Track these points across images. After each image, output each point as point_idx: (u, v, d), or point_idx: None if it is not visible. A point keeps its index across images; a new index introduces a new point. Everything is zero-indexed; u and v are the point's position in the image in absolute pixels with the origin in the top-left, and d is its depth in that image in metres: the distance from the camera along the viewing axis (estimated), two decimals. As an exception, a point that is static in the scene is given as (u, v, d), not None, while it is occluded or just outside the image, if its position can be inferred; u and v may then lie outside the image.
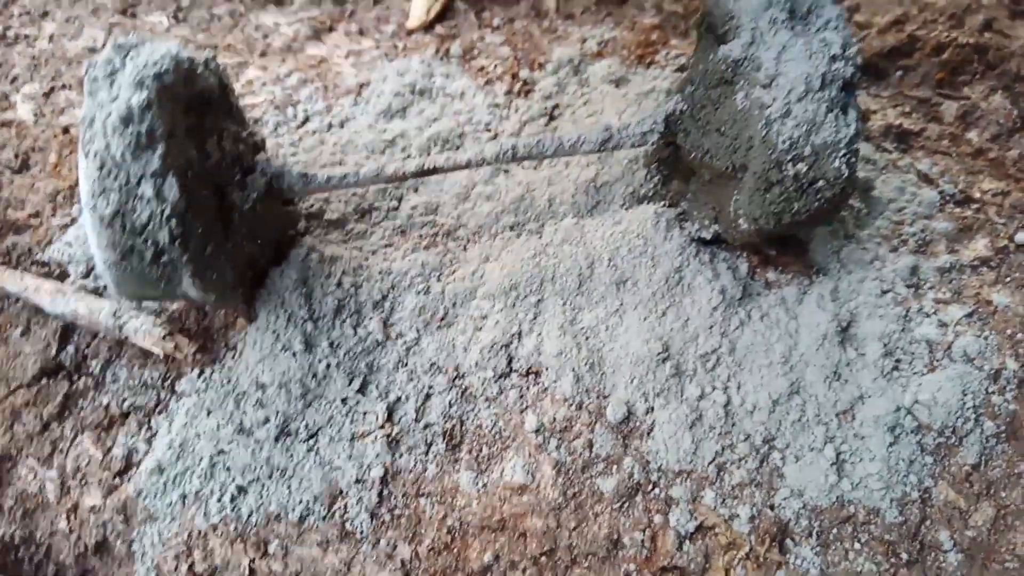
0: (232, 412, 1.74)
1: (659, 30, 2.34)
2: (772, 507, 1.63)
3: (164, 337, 1.76)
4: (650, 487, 1.66)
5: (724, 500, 1.63)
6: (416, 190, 1.99)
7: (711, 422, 1.69)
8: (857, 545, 1.59)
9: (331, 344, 1.75)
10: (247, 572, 1.62)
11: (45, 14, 2.45)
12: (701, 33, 1.69)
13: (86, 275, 1.89)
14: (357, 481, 1.68)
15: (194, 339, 1.80)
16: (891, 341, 1.74)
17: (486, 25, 2.41)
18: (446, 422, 1.72)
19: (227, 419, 1.73)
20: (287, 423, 1.72)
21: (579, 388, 1.73)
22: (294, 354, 1.73)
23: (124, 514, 1.70)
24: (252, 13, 2.45)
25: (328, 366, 1.74)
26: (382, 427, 1.72)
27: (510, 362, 1.77)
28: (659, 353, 1.73)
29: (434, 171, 1.68)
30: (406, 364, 1.77)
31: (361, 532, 1.64)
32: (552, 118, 2.12)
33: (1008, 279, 1.83)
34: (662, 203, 1.89)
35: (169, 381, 1.81)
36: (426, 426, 1.72)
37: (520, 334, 1.79)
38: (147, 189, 1.37)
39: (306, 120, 2.15)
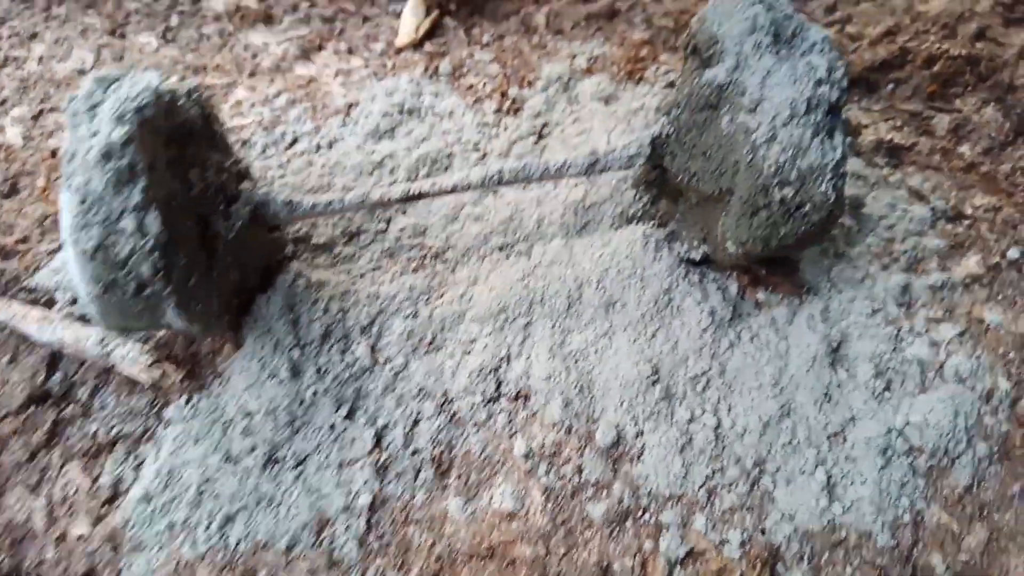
0: (219, 440, 1.73)
1: (649, 45, 2.34)
2: (763, 531, 1.61)
3: (151, 365, 1.75)
4: (640, 512, 1.64)
5: (715, 525, 1.62)
6: (404, 212, 1.99)
7: (701, 445, 1.68)
8: (849, 569, 1.58)
9: (318, 370, 1.74)
10: (235, 602, 1.61)
11: (34, 36, 2.44)
12: (687, 55, 1.68)
13: (73, 302, 1.88)
14: (345, 509, 1.67)
15: (181, 366, 1.79)
16: (882, 362, 1.73)
17: (475, 42, 2.40)
18: (434, 448, 1.71)
19: (214, 447, 1.72)
20: (274, 451, 1.71)
21: (568, 412, 1.72)
22: (281, 381, 1.72)
23: (112, 543, 1.69)
24: (241, 32, 2.45)
25: (315, 393, 1.73)
26: (370, 454, 1.71)
27: (499, 386, 1.76)
28: (649, 376, 1.72)
29: (419, 196, 1.68)
30: (394, 390, 1.76)
31: (349, 561, 1.63)
32: (541, 137, 2.11)
33: (1000, 296, 1.82)
34: (651, 223, 1.88)
35: (157, 408, 1.80)
36: (414, 452, 1.71)
37: (509, 358, 1.78)
38: (129, 223, 1.36)
39: (294, 141, 2.14)
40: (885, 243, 1.89)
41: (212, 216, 1.57)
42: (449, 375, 1.77)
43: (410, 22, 2.42)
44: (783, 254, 1.72)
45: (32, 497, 1.75)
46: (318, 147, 2.12)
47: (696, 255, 1.78)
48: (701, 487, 1.65)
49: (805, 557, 1.59)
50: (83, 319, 1.86)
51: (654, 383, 1.72)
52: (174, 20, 2.47)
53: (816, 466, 1.65)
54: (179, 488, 1.70)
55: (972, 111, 2.18)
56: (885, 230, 1.91)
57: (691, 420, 1.70)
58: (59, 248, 1.98)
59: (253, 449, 1.71)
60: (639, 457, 1.69)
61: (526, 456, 1.69)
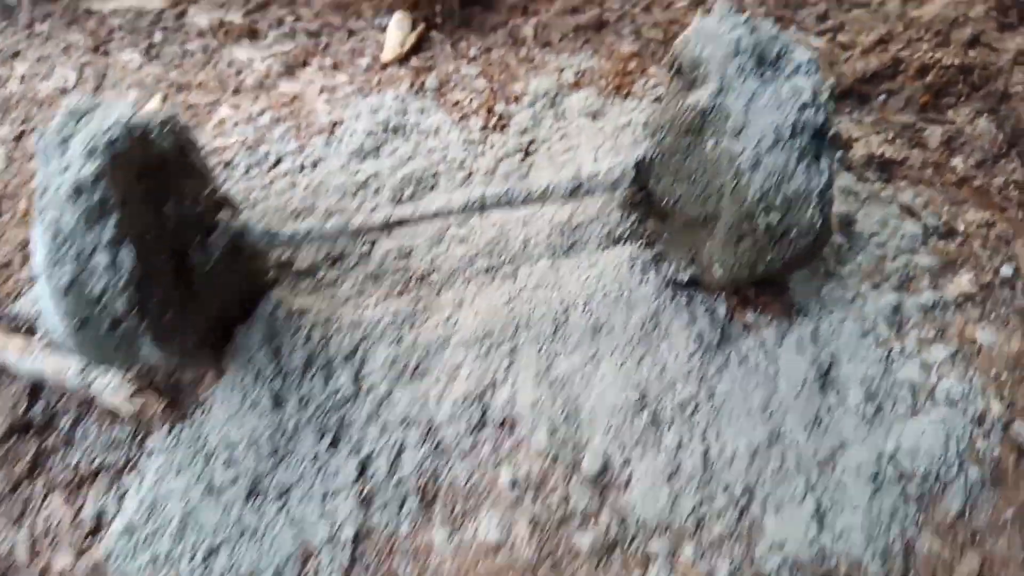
0: (202, 471, 1.71)
1: (637, 57, 2.30)
2: (752, 561, 1.59)
3: (132, 395, 1.73)
4: (628, 542, 1.62)
5: (703, 554, 1.60)
6: (389, 234, 1.96)
7: (689, 473, 1.66)
8: (839, 599, 1.56)
9: (300, 400, 1.72)
10: (218, 637, 1.60)
11: (16, 54, 2.42)
12: (671, 75, 1.65)
13: (54, 331, 1.86)
14: (329, 540, 1.64)
15: (163, 396, 1.77)
16: (873, 385, 1.71)
17: (462, 56, 2.37)
18: (419, 478, 1.69)
19: (197, 478, 1.70)
20: (257, 482, 1.69)
21: (554, 440, 1.70)
22: (262, 412, 1.70)
23: (95, 577, 1.67)
24: (225, 48, 2.42)
25: (298, 423, 1.71)
26: (354, 484, 1.69)
27: (484, 414, 1.74)
28: (636, 402, 1.70)
29: (401, 223, 1.65)
30: (378, 418, 1.74)
31: (334, 594, 1.61)
32: (528, 154, 2.09)
33: (993, 316, 1.79)
34: (638, 244, 1.85)
35: (139, 438, 1.78)
36: (399, 482, 1.69)
37: (494, 384, 1.76)
38: (102, 259, 1.34)
39: (278, 161, 2.11)
40: (876, 261, 1.86)
41: (189, 248, 1.55)
42: (434, 403, 1.74)
43: (396, 36, 2.39)
44: (771, 278, 1.70)
45: (14, 529, 1.73)
46: (302, 167, 2.10)
47: (684, 277, 1.76)
48: (689, 516, 1.63)
49: (795, 587, 1.56)
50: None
51: (641, 409, 1.70)
52: (157, 36, 2.44)
53: (806, 493, 1.62)
54: (162, 520, 1.68)
55: (965, 122, 2.15)
56: (876, 248, 1.88)
57: (679, 447, 1.68)
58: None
59: (236, 480, 1.69)
60: (626, 486, 1.66)
61: (512, 486, 1.67)
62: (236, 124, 2.20)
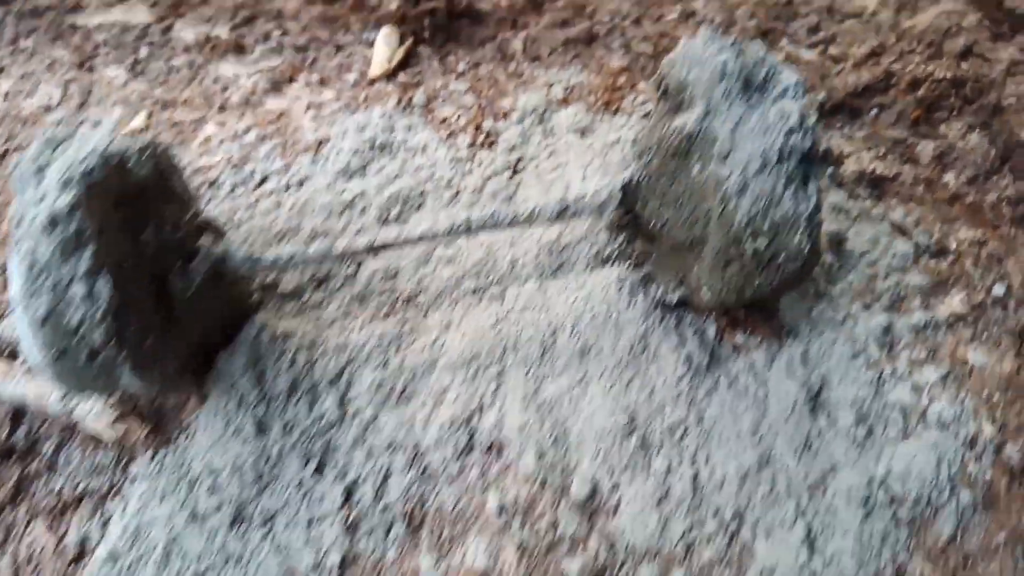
0: (185, 498, 1.69)
1: (627, 72, 2.29)
2: (742, 587, 1.57)
3: (115, 421, 1.71)
4: (617, 568, 1.60)
5: (693, 581, 1.58)
6: (375, 255, 1.94)
7: (679, 497, 1.64)
8: (830, 626, 1.54)
9: (285, 426, 1.70)
10: (202, 667, 1.58)
11: (0, 71, 2.39)
12: (659, 96, 1.63)
13: (36, 355, 1.84)
14: (315, 567, 1.62)
15: (146, 421, 1.75)
16: (864, 407, 1.69)
17: (450, 71, 2.35)
18: (406, 503, 1.67)
19: (180, 505, 1.68)
20: (241, 509, 1.67)
21: (542, 464, 1.68)
22: (246, 438, 1.68)
23: (78, 606, 1.65)
24: (212, 64, 2.40)
25: (282, 449, 1.69)
26: (340, 510, 1.67)
27: (471, 438, 1.72)
28: (625, 425, 1.68)
29: (385, 247, 1.63)
30: (364, 443, 1.72)
31: (319, 623, 1.59)
32: (516, 172, 2.07)
33: (985, 336, 1.78)
34: (626, 265, 1.83)
35: (122, 464, 1.76)
36: (385, 508, 1.67)
37: (481, 408, 1.74)
38: (78, 290, 1.32)
39: (264, 180, 2.09)
40: (867, 281, 1.85)
41: (169, 275, 1.53)
42: (420, 427, 1.73)
43: (383, 51, 2.37)
44: (759, 302, 1.68)
45: (-3, 556, 1.71)
46: (287, 186, 2.08)
47: (672, 298, 1.74)
48: (679, 541, 1.61)
49: (785, 614, 1.55)
50: (46, 373, 1.82)
51: (630, 433, 1.68)
52: (143, 52, 2.42)
53: (796, 518, 1.61)
54: (146, 547, 1.66)
55: (957, 137, 2.13)
56: (867, 267, 1.87)
57: (668, 471, 1.66)
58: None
59: (220, 507, 1.66)
60: (615, 510, 1.64)
61: (499, 511, 1.65)
62: (222, 142, 2.17)
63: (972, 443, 1.65)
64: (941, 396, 1.69)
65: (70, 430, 1.79)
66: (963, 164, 2.07)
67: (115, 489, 1.74)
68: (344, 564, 1.63)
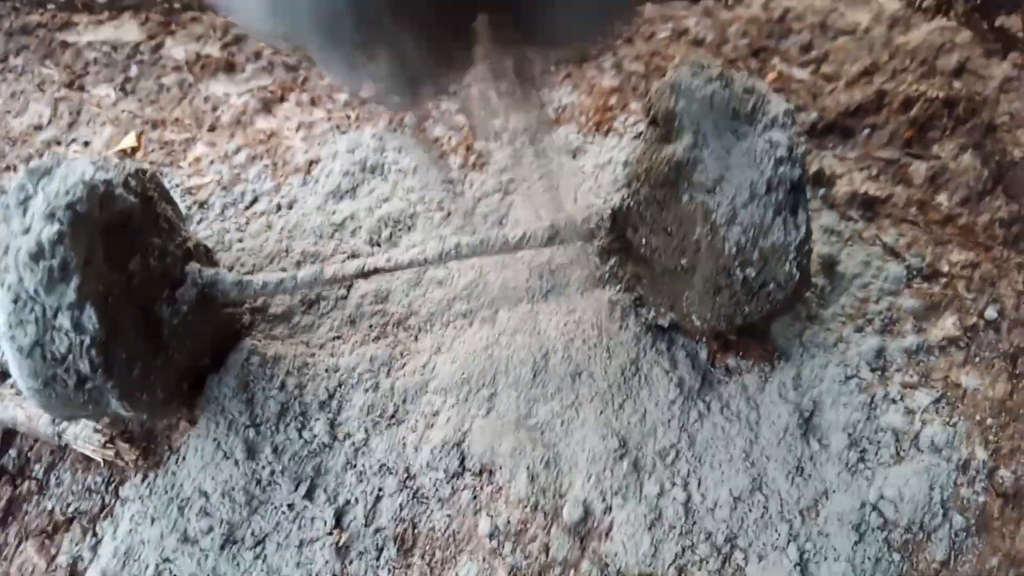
0: (176, 520, 1.68)
1: (618, 92, 2.28)
2: (734, 613, 1.57)
3: (105, 444, 1.71)
4: (608, 593, 1.60)
5: (685, 606, 1.58)
6: (366, 279, 1.93)
7: (671, 521, 1.63)
8: (823, 653, 1.54)
9: (275, 449, 1.69)
10: None
11: (-10, 89, 2.39)
12: (648, 123, 1.63)
13: (25, 378, 1.83)
14: (305, 592, 1.62)
15: (136, 444, 1.75)
16: (856, 431, 1.69)
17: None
18: (397, 526, 1.67)
19: (171, 527, 1.68)
20: (232, 531, 1.66)
21: (534, 487, 1.67)
22: (236, 462, 1.67)
23: (68, 630, 1.65)
24: (202, 83, 2.39)
25: (273, 472, 1.68)
26: (331, 533, 1.66)
27: (463, 461, 1.71)
28: (616, 449, 1.68)
29: (374, 272, 1.63)
30: (354, 466, 1.71)
31: (309, 649, 1.58)
32: (507, 193, 2.06)
33: (977, 359, 1.77)
34: (618, 288, 1.83)
35: (113, 485, 1.75)
36: (376, 530, 1.67)
37: (473, 431, 1.73)
38: (64, 321, 1.32)
39: (254, 201, 2.09)
40: (859, 303, 1.85)
41: (156, 302, 1.52)
42: (411, 450, 1.72)
43: (376, 69, 2.37)
44: (751, 327, 1.67)
45: (-13, 579, 1.71)
46: (278, 207, 2.07)
47: (664, 322, 1.74)
48: (671, 565, 1.61)
49: (777, 640, 1.54)
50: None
51: (622, 456, 1.68)
52: (133, 70, 2.41)
53: (788, 542, 1.60)
54: (137, 568, 1.66)
55: (950, 158, 2.13)
56: (859, 289, 1.86)
57: (660, 494, 1.66)
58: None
59: (210, 530, 1.66)
60: (607, 534, 1.64)
61: (491, 534, 1.64)
62: (212, 162, 2.17)
63: (965, 467, 1.65)
64: (934, 420, 1.69)
65: (60, 451, 1.79)
66: (956, 185, 2.07)
67: (106, 510, 1.74)
68: (335, 589, 1.62)
